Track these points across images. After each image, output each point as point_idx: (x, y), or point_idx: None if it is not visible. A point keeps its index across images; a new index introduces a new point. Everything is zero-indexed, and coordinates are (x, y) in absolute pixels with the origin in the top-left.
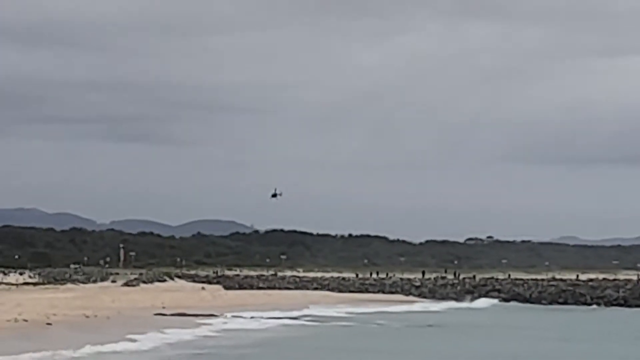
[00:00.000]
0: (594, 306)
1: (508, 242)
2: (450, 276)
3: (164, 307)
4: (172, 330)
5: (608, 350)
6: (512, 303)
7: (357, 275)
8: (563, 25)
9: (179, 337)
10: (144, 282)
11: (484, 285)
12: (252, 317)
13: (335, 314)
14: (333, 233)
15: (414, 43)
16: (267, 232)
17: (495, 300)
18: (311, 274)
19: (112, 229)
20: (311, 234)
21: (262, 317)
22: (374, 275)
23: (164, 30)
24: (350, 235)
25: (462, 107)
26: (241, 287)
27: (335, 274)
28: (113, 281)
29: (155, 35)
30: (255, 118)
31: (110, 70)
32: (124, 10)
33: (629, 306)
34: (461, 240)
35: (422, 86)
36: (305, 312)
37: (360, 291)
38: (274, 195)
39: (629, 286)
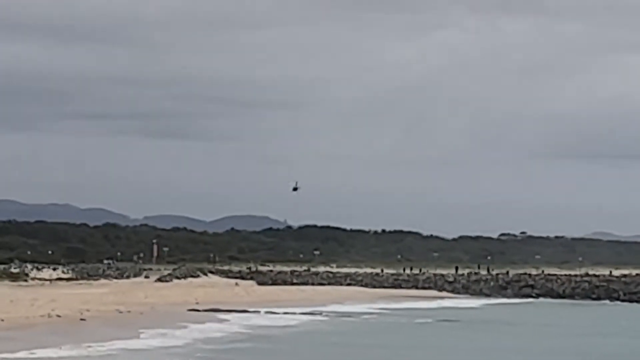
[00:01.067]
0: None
1: (541, 237)
2: (483, 272)
3: (197, 303)
4: (204, 326)
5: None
6: (545, 299)
7: (382, 270)
8: (600, 21)
9: (209, 333)
10: (177, 277)
11: (517, 281)
12: (285, 313)
13: (366, 310)
14: (366, 229)
15: (450, 38)
16: (300, 227)
17: (529, 297)
18: (344, 270)
19: (146, 225)
20: (344, 230)
21: (295, 313)
22: (408, 271)
23: (198, 26)
24: (383, 230)
25: (498, 103)
26: (274, 283)
27: (369, 270)
28: (146, 277)
29: (189, 30)
30: (289, 113)
31: (143, 66)
32: (159, 6)
33: None
34: (494, 235)
35: (458, 82)
36: (338, 308)
37: (394, 287)
38: (295, 189)
39: None
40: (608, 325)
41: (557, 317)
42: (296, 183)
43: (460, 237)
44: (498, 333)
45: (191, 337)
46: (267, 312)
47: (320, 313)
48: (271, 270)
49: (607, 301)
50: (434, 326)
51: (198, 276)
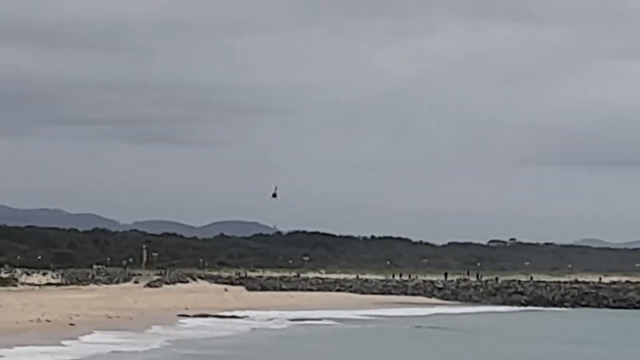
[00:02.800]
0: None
1: (531, 244)
2: (472, 278)
3: (186, 308)
4: (178, 332)
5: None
6: (533, 306)
7: (357, 277)
8: (584, 27)
9: (195, 335)
10: (167, 283)
11: (507, 287)
12: (273, 319)
13: (353, 317)
14: (356, 235)
15: (435, 44)
16: (289, 233)
17: (518, 303)
18: (334, 276)
19: (135, 230)
20: (334, 236)
21: (283, 319)
22: (397, 277)
23: (185, 31)
24: (372, 237)
25: (484, 109)
26: (264, 289)
27: (358, 276)
28: (136, 282)
29: (177, 35)
30: (278, 119)
31: (134, 71)
32: (146, 11)
33: None
34: (484, 242)
35: (443, 87)
36: (326, 314)
37: (383, 293)
38: (274, 195)
39: None
40: (597, 332)
41: (541, 324)
42: (275, 189)
43: (450, 244)
44: (475, 340)
45: (166, 342)
46: (254, 318)
47: (308, 319)
48: (260, 276)
49: (596, 308)
50: (419, 333)
51: (187, 282)
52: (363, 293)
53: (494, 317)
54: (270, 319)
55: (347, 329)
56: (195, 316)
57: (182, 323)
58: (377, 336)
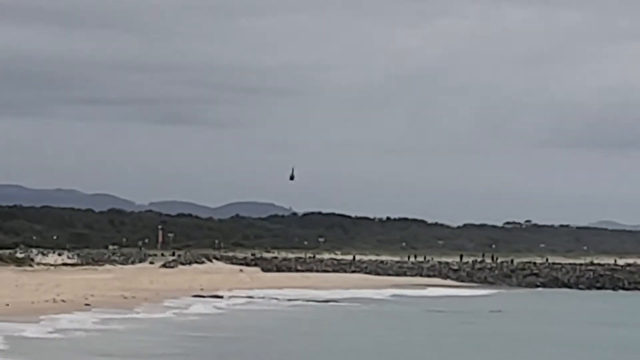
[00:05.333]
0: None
1: (546, 226)
2: (488, 260)
3: (202, 289)
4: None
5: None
6: (548, 288)
7: (354, 257)
8: (604, 9)
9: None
10: (182, 263)
11: (522, 269)
12: (288, 300)
13: (366, 296)
14: (371, 216)
15: (454, 25)
16: (305, 214)
17: (534, 285)
18: (349, 257)
19: (151, 210)
20: (349, 217)
21: (298, 299)
22: (412, 259)
23: (204, 12)
24: (388, 218)
25: (502, 90)
26: (279, 270)
27: (374, 257)
28: (151, 262)
29: (195, 16)
30: (294, 100)
31: (151, 51)
32: None
33: None
34: (499, 224)
35: (462, 69)
36: (338, 295)
37: (398, 275)
38: (292, 178)
39: None
40: (612, 314)
41: (556, 306)
42: (292, 171)
43: (465, 225)
44: (488, 322)
45: (166, 322)
46: (270, 298)
47: (319, 300)
48: (276, 257)
49: (611, 290)
50: (426, 315)
51: (203, 262)
52: (378, 274)
53: (509, 298)
54: (273, 299)
55: (351, 308)
56: (210, 297)
57: (169, 303)
58: (379, 318)
